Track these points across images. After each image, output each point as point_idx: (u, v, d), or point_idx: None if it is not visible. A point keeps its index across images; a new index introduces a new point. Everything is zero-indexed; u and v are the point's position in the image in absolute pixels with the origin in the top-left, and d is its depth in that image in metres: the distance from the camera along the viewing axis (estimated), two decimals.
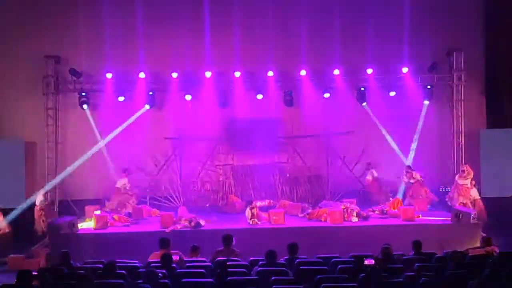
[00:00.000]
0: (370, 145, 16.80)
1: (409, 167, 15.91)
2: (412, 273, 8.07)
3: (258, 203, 14.50)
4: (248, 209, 13.56)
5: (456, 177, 15.35)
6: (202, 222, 13.24)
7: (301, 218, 14.28)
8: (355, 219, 13.62)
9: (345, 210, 13.75)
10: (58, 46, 16.38)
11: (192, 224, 13.08)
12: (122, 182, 15.63)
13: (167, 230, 12.77)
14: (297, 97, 16.62)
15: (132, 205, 15.29)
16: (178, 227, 13.06)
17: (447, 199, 15.43)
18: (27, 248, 13.44)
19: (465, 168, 15.18)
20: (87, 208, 15.03)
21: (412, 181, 15.67)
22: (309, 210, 14.46)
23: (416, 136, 16.55)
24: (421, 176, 15.65)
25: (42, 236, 14.08)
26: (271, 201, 15.49)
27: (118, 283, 7.90)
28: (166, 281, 7.95)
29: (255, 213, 13.50)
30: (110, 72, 16.04)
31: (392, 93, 16.65)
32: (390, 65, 16.25)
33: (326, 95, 16.59)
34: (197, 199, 16.74)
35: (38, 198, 14.72)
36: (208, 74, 16.08)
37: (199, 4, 16.03)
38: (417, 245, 9.69)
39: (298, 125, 17.13)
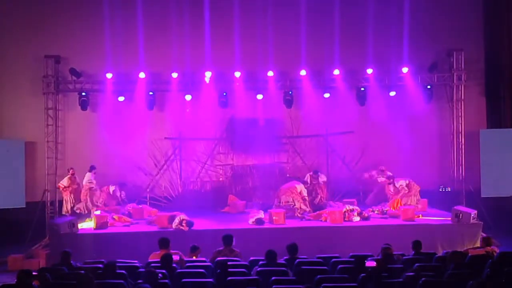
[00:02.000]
0: (370, 145, 16.79)
1: (315, 172, 15.74)
2: (412, 273, 8.07)
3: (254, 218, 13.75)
4: (253, 216, 13.56)
5: (398, 186, 15.10)
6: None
7: (301, 218, 14.26)
8: (356, 218, 13.60)
9: (346, 210, 13.73)
10: (58, 46, 16.37)
11: (184, 225, 12.78)
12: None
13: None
14: (297, 97, 16.60)
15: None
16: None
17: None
18: (27, 248, 13.46)
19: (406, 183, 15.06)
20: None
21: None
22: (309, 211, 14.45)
23: None
24: (323, 182, 15.57)
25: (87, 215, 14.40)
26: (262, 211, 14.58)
27: (118, 283, 7.90)
28: (166, 281, 7.95)
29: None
30: (110, 72, 15.99)
31: (392, 93, 16.63)
32: (390, 65, 16.19)
33: (326, 95, 16.58)
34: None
35: (87, 176, 14.71)
36: (208, 74, 16.04)
37: (199, 4, 16.04)
38: (417, 245, 9.69)
39: (298, 125, 17.15)
